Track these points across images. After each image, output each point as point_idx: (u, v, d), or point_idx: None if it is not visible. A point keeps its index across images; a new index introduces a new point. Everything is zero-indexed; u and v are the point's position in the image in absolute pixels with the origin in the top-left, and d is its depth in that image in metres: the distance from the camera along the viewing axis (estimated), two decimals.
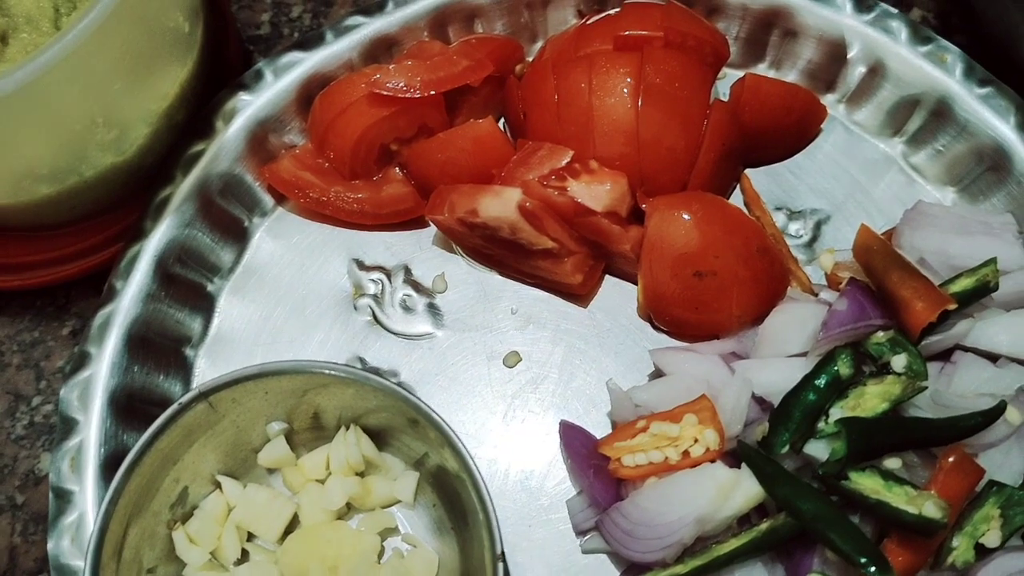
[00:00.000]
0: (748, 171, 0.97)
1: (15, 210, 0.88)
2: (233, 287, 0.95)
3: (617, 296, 0.93)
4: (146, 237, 0.91)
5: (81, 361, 0.87)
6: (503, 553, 0.74)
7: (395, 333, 0.93)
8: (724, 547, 0.76)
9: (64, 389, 0.86)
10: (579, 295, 0.92)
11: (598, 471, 0.83)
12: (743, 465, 0.77)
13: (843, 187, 0.96)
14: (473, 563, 0.80)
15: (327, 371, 0.80)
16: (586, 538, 0.85)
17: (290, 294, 0.94)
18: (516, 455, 0.88)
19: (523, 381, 0.91)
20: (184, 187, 0.92)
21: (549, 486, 0.87)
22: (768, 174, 0.97)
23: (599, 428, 0.88)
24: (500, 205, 0.87)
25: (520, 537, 0.86)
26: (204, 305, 0.94)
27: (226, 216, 0.95)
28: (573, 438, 0.86)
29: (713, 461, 0.79)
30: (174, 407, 0.79)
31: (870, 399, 0.79)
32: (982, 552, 0.76)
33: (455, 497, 0.83)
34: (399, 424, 0.84)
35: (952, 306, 0.79)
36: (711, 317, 0.88)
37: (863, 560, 0.70)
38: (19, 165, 0.83)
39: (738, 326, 0.88)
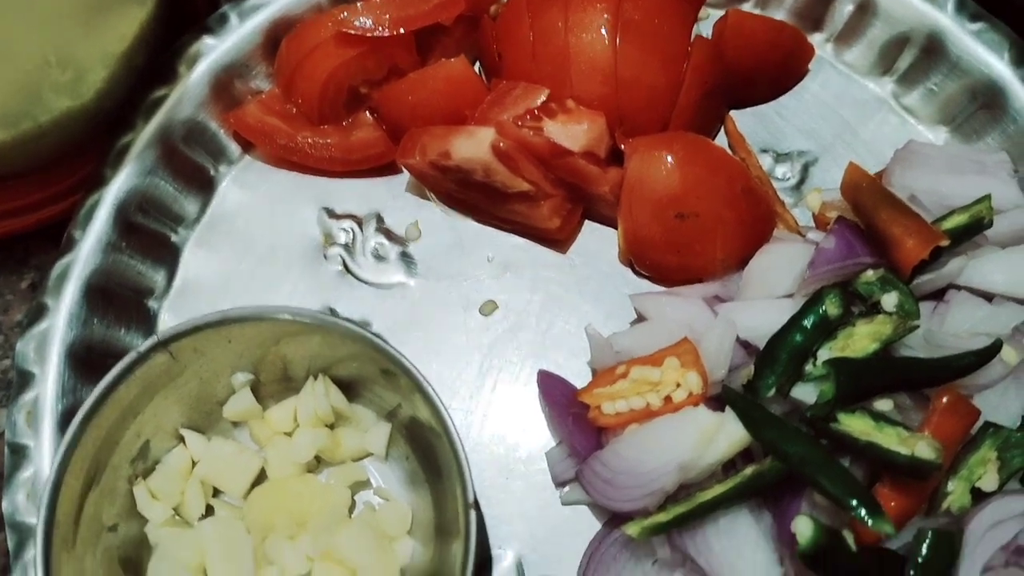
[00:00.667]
0: (733, 112, 0.94)
1: None
2: (198, 238, 0.91)
3: (597, 242, 0.90)
4: (106, 185, 0.87)
5: (38, 313, 0.83)
6: (476, 502, 0.71)
7: (367, 283, 0.89)
8: (708, 493, 0.73)
9: (20, 342, 0.82)
10: (557, 240, 0.89)
11: (577, 420, 0.80)
12: (727, 409, 0.74)
13: (832, 128, 0.93)
14: (448, 516, 0.76)
15: (292, 317, 0.76)
16: (565, 490, 0.82)
17: (257, 245, 0.91)
18: (493, 406, 0.85)
19: (500, 330, 0.87)
20: (145, 134, 0.89)
21: (527, 437, 0.84)
22: (754, 115, 0.94)
23: (579, 377, 0.84)
24: (473, 146, 0.83)
25: (497, 490, 0.83)
26: (168, 256, 0.90)
27: (190, 164, 0.91)
28: (552, 387, 0.83)
29: (696, 406, 0.75)
30: (131, 355, 0.75)
31: (859, 340, 0.75)
32: (978, 496, 0.73)
33: (429, 449, 0.79)
34: (370, 374, 0.81)
35: (944, 242, 0.76)
36: (694, 261, 0.85)
37: (853, 503, 0.67)
38: None
39: (722, 270, 0.85)
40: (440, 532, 0.79)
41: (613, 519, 0.79)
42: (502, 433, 0.84)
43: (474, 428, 0.84)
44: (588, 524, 0.81)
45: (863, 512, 0.66)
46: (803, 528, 0.66)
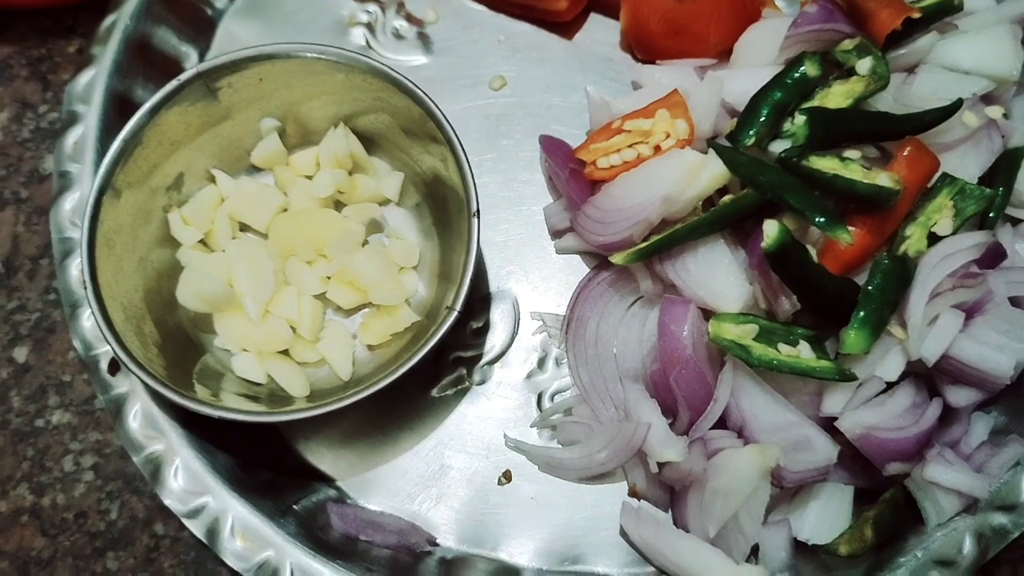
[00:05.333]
0: None
1: None
2: (232, 15, 0.98)
3: (601, 31, 0.97)
4: None
5: (86, 62, 0.90)
6: (479, 210, 0.79)
7: (386, 58, 0.96)
8: (687, 224, 0.80)
9: (70, 85, 0.89)
10: (564, 25, 0.96)
11: (574, 174, 0.87)
12: (710, 151, 0.81)
13: None
14: (451, 264, 0.84)
15: (319, 55, 0.83)
16: (560, 240, 0.90)
17: (285, 24, 0.98)
18: (498, 167, 0.93)
19: (508, 104, 0.95)
20: None
21: (528, 195, 0.92)
22: None
23: (578, 144, 0.91)
24: None
25: (496, 241, 0.91)
26: (204, 29, 0.97)
27: None
28: (552, 148, 0.90)
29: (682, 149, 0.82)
30: (172, 83, 0.83)
31: (834, 98, 0.82)
32: (934, 242, 0.80)
33: (441, 200, 0.87)
34: (389, 129, 0.88)
35: (916, 14, 0.83)
36: (690, 45, 0.92)
37: (816, 215, 0.75)
38: None
39: (715, 54, 0.92)
40: (443, 277, 0.87)
41: (602, 264, 0.87)
42: (505, 192, 0.92)
43: (478, 187, 0.91)
44: (578, 273, 0.89)
45: (823, 220, 0.74)
46: (770, 229, 0.73)
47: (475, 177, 0.81)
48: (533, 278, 0.90)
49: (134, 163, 0.82)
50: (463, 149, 0.80)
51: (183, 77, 0.83)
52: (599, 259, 0.88)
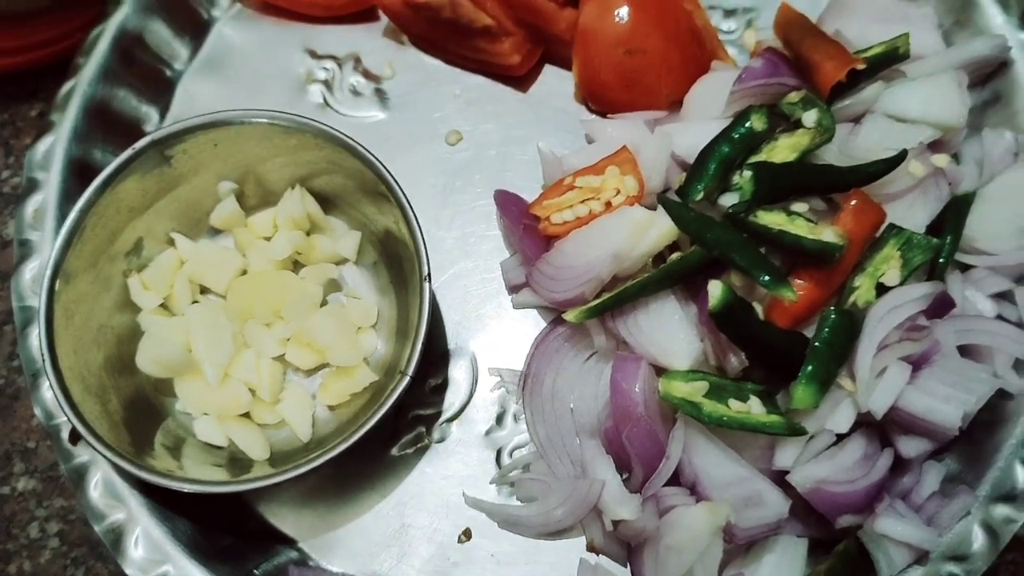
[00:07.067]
0: None
1: None
2: (191, 75, 1.00)
3: (555, 83, 0.98)
4: (108, 19, 0.95)
5: (45, 128, 0.91)
6: (429, 275, 0.80)
7: (344, 115, 0.97)
8: (637, 281, 0.81)
9: (29, 152, 0.90)
10: (518, 79, 0.97)
11: (528, 230, 0.88)
12: (659, 207, 0.82)
13: None
14: (408, 320, 0.85)
15: (270, 121, 0.85)
16: (517, 295, 0.90)
17: (245, 82, 0.99)
18: (455, 222, 0.94)
19: (464, 158, 0.96)
20: None
21: (484, 249, 0.93)
22: None
23: (533, 199, 0.92)
24: None
25: (454, 297, 0.91)
26: (163, 89, 0.98)
27: (186, 7, 0.99)
28: (507, 203, 0.91)
29: (632, 206, 0.83)
30: (126, 153, 0.84)
31: (780, 151, 0.83)
32: (882, 291, 0.80)
33: (396, 259, 0.88)
34: (344, 189, 0.89)
35: (861, 66, 0.84)
36: (642, 97, 0.93)
37: (760, 273, 0.75)
38: None
39: (667, 106, 0.93)
40: (400, 334, 0.88)
41: (557, 319, 0.87)
42: (462, 247, 0.93)
43: (434, 243, 0.92)
44: (536, 326, 0.90)
45: (768, 279, 0.75)
46: (714, 290, 0.74)
47: (431, 233, 0.82)
48: (492, 333, 0.90)
49: (92, 234, 0.83)
50: (414, 213, 0.81)
51: (137, 146, 0.84)
52: (555, 314, 0.88)
